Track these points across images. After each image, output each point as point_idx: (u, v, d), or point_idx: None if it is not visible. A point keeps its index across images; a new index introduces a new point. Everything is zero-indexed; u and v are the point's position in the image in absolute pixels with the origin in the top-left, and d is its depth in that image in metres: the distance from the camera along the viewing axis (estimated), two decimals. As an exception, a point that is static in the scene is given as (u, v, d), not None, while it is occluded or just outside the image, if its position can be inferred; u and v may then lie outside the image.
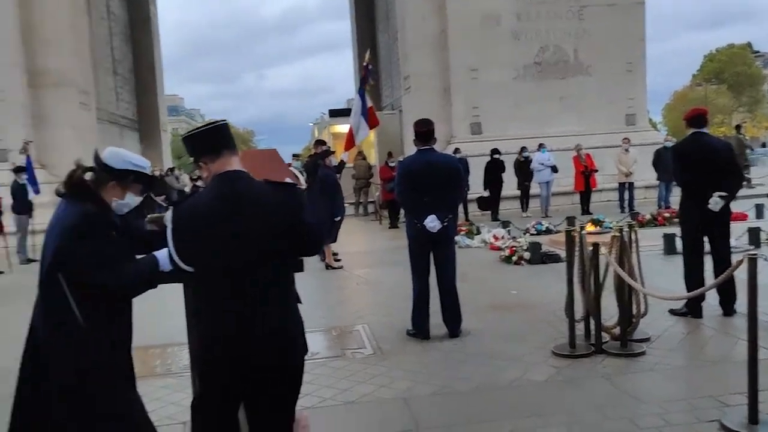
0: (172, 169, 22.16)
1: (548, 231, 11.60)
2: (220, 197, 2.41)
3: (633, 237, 4.93)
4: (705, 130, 5.73)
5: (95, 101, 18.90)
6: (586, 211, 14.71)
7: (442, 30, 17.49)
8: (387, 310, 6.62)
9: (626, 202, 15.04)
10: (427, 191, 5.42)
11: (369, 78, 12.41)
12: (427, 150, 5.56)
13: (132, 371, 2.66)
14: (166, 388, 4.57)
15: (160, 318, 5.37)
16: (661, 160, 13.82)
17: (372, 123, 11.74)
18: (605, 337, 4.92)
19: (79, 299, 2.39)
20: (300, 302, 2.59)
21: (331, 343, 5.57)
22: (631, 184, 15.07)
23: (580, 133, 16.85)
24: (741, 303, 4.98)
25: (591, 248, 4.82)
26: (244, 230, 2.37)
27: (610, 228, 10.69)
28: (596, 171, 15.07)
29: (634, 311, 4.87)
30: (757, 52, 79.39)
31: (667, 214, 11.86)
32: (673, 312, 5.69)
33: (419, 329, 5.46)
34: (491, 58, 17.19)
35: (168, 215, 2.47)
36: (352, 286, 8.01)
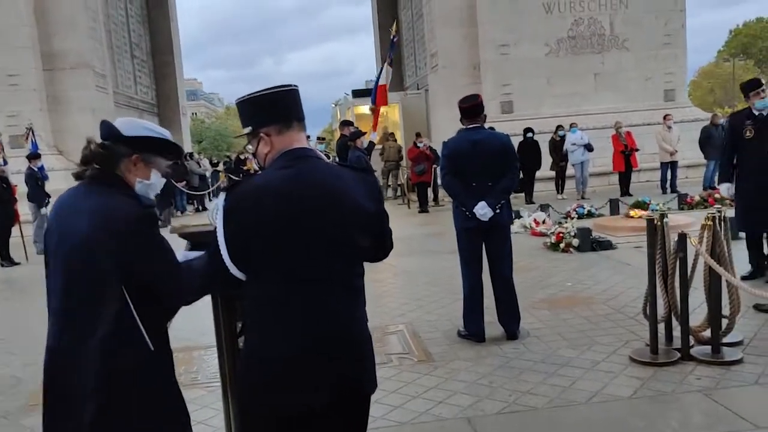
0: (191, 154, 21.69)
1: (590, 214, 10.89)
2: (294, 179, 1.84)
3: (722, 225, 4.26)
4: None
5: (113, 85, 18.41)
6: (626, 192, 13.95)
7: (470, 4, 16.68)
8: (428, 307, 6.01)
9: (668, 183, 14.24)
10: (475, 175, 4.80)
11: (392, 52, 11.80)
12: (474, 128, 4.92)
13: None
14: (193, 402, 4.00)
15: (180, 316, 4.80)
16: (709, 137, 13.01)
17: (379, 102, 11.11)
18: (691, 341, 4.27)
19: (144, 315, 1.89)
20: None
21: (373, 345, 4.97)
22: (674, 164, 14.27)
23: (616, 110, 16.05)
24: None
25: (676, 238, 4.17)
26: (325, 222, 1.83)
27: (657, 210, 10.01)
28: (637, 150, 14.27)
29: (728, 310, 4.21)
30: (787, 26, 77.09)
31: (718, 195, 11.06)
32: (759, 308, 5.03)
33: (473, 331, 4.85)
34: (522, 33, 16.37)
35: (219, 201, 1.86)
36: (388, 279, 7.42)
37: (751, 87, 5.87)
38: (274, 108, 1.91)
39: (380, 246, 2.05)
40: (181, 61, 26.50)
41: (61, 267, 1.93)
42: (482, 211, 4.73)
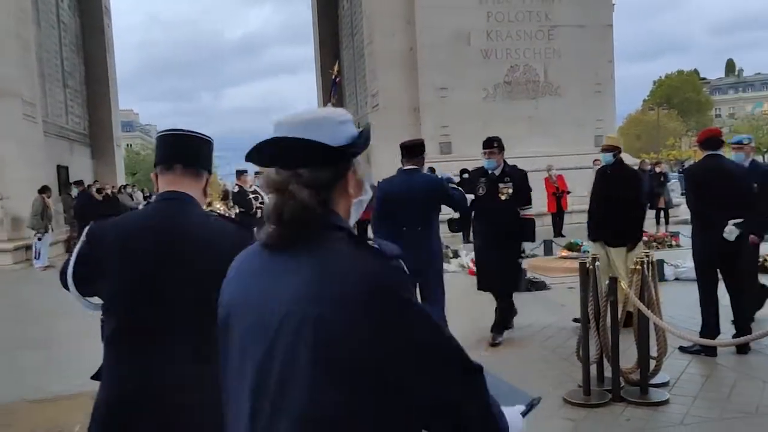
0: (125, 186, 21.08)
1: (525, 255, 11.12)
2: (147, 223, 1.88)
3: (651, 269, 4.42)
4: (720, 152, 5.31)
5: (42, 114, 17.77)
6: (558, 233, 14.36)
7: (410, 47, 17.09)
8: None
9: (598, 225, 14.75)
10: (406, 219, 4.82)
11: (335, 92, 11.89)
12: (408, 170, 4.98)
13: None
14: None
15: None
16: (637, 182, 13.62)
17: None
18: (621, 382, 4.37)
19: None
20: None
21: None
22: (603, 207, 14.82)
23: (549, 154, 16.60)
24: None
25: (607, 281, 4.31)
26: (167, 269, 1.79)
27: (588, 252, 10.33)
28: (568, 192, 14.78)
29: (656, 352, 4.34)
30: (704, 78, 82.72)
31: (645, 238, 11.52)
32: (684, 350, 5.20)
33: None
34: (460, 77, 16.85)
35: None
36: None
37: (483, 145, 5.76)
38: (160, 148, 1.97)
39: None
40: (117, 91, 25.92)
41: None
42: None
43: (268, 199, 1.26)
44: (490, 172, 5.73)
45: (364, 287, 1.10)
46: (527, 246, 8.98)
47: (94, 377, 1.88)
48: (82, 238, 1.87)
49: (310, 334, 1.09)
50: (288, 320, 1.12)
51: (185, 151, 1.94)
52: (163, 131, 1.99)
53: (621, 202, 5.82)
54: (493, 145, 5.71)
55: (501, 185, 5.56)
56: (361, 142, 1.24)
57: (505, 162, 5.83)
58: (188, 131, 1.97)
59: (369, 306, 1.09)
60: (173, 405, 1.74)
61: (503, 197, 5.54)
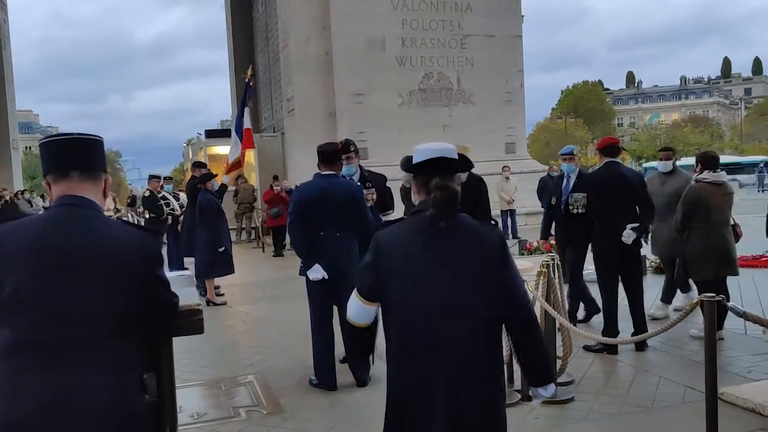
0: (22, 192, 19.86)
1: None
2: (49, 229, 1.76)
3: (557, 272, 4.58)
4: (618, 159, 5.60)
5: (-72, 113, 16.49)
6: (472, 237, 14.70)
7: (326, 52, 17.04)
8: (281, 355, 5.87)
9: (509, 229, 15.22)
10: (323, 224, 4.78)
11: (250, 95, 11.65)
12: (327, 176, 4.93)
13: None
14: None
15: None
16: (545, 188, 14.12)
17: (246, 145, 10.95)
18: (530, 381, 4.50)
19: None
20: (151, 397, 1.86)
21: (219, 399, 4.73)
22: (512, 212, 15.29)
23: (463, 160, 16.98)
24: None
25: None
26: (65, 274, 1.69)
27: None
28: (481, 198, 15.15)
29: (561, 352, 4.51)
30: (607, 89, 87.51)
31: (553, 242, 11.97)
32: (587, 348, 5.43)
33: (324, 379, 4.77)
34: (376, 83, 16.95)
35: None
36: (238, 326, 7.14)
37: (342, 150, 5.36)
38: (52, 155, 1.88)
39: (156, 316, 1.88)
40: (14, 90, 24.43)
41: None
42: (314, 275, 4.76)
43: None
44: (348, 178, 5.39)
45: (499, 239, 2.29)
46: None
47: None
48: None
49: (488, 261, 2.21)
50: (467, 258, 2.20)
51: (80, 155, 1.86)
52: (47, 138, 1.89)
53: (468, 208, 5.99)
54: (350, 149, 5.44)
55: (364, 191, 5.30)
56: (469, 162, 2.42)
57: (361, 167, 5.71)
58: (78, 134, 1.88)
59: (501, 247, 2.26)
60: (77, 421, 1.64)
61: (369, 203, 5.33)
